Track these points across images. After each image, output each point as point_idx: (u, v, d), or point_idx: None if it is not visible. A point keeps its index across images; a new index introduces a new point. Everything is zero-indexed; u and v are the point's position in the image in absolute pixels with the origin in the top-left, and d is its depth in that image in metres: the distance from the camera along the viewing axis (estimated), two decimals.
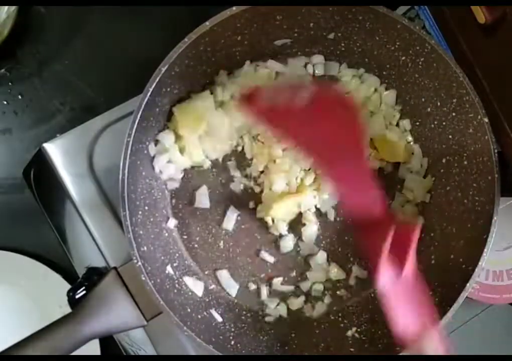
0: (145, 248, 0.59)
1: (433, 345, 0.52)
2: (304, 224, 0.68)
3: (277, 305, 0.68)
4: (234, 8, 0.58)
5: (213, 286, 0.67)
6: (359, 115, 0.54)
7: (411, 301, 0.53)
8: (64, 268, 0.77)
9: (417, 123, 0.69)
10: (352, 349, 0.63)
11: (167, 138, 0.64)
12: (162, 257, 0.63)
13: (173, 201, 0.67)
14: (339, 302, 0.69)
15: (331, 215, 0.69)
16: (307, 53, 0.69)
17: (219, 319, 0.64)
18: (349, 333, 0.66)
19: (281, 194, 0.67)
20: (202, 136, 0.65)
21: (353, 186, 0.55)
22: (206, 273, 0.67)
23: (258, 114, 0.56)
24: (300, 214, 0.68)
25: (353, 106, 0.54)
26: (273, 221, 0.67)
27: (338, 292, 0.69)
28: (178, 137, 0.65)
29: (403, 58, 0.65)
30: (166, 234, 0.66)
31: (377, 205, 0.55)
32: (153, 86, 0.57)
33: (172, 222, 0.66)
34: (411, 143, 0.70)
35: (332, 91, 0.57)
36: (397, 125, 0.70)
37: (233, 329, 0.64)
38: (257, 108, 0.55)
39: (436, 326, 0.54)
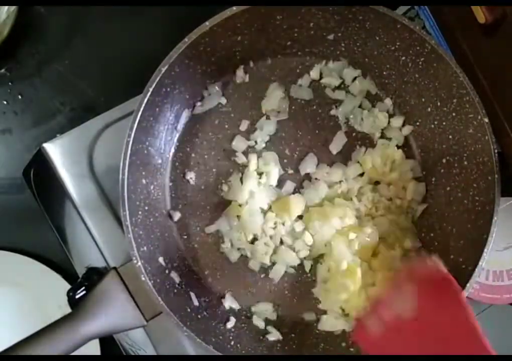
0: (145, 248, 0.59)
1: None
2: None
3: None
4: (234, 8, 0.58)
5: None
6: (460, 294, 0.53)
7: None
8: (64, 269, 0.77)
9: (417, 123, 0.69)
10: (351, 349, 0.63)
11: None
12: (162, 257, 0.63)
13: (173, 201, 0.67)
14: None
15: None
16: (307, 53, 0.69)
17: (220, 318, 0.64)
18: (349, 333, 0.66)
19: None
20: None
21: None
22: (206, 273, 0.67)
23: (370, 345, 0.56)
24: None
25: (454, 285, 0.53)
26: None
27: None
28: None
29: (403, 58, 0.65)
30: (166, 234, 0.66)
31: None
32: (153, 86, 0.57)
33: (176, 217, 0.67)
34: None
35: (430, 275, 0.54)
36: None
37: (233, 329, 0.64)
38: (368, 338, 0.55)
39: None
